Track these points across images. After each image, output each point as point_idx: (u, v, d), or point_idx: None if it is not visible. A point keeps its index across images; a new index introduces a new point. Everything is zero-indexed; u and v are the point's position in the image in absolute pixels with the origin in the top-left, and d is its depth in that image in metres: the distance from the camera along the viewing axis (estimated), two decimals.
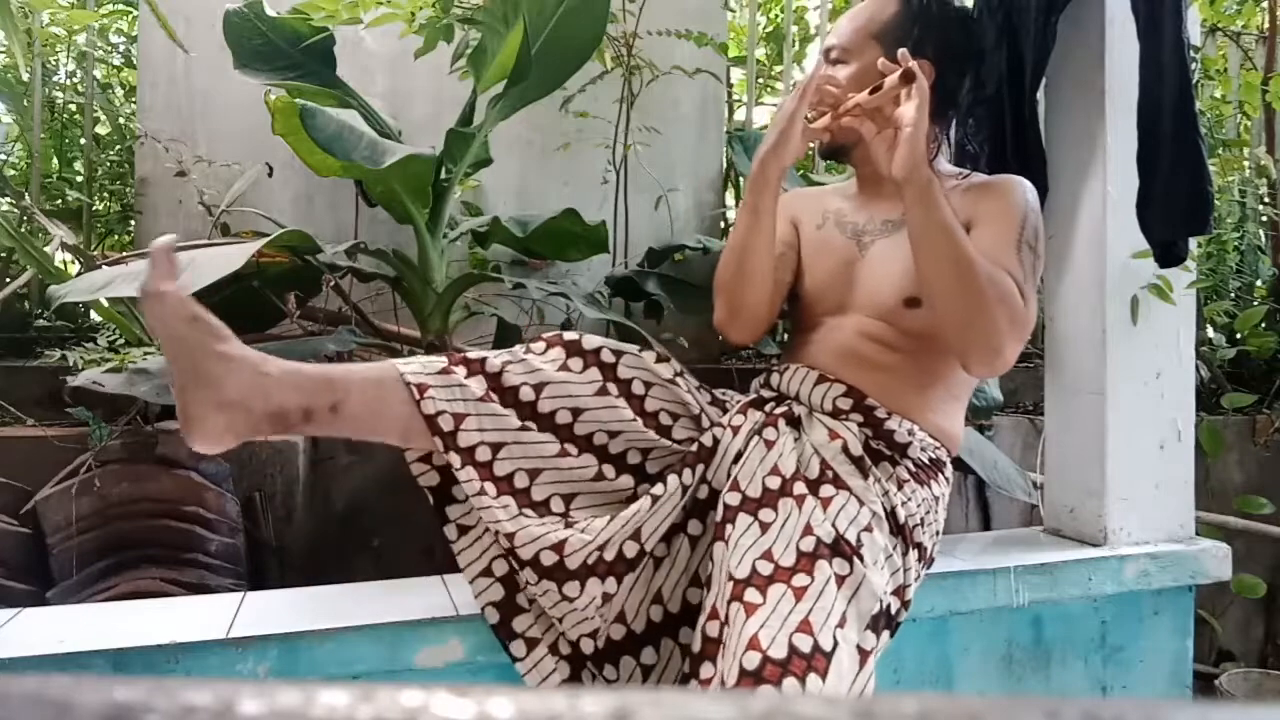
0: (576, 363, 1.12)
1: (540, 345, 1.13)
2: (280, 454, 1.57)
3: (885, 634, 1.05)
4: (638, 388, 1.14)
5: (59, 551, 1.40)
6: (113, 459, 1.44)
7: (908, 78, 1.06)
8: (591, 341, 1.14)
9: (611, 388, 1.11)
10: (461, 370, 1.07)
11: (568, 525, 1.06)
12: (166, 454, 1.47)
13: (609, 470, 1.11)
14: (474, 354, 1.09)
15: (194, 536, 1.43)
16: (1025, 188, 1.22)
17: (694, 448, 1.12)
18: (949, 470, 1.22)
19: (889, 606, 1.04)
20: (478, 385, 1.06)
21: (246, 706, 0.19)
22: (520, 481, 1.06)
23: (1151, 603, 1.48)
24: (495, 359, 1.09)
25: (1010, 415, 2.20)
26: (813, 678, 0.88)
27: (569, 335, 1.14)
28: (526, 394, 1.08)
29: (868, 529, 1.04)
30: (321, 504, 1.67)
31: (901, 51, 1.10)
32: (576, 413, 1.09)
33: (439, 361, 1.07)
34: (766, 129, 1.21)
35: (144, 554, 1.41)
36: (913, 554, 1.11)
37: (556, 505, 1.08)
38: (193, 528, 1.43)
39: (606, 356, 1.13)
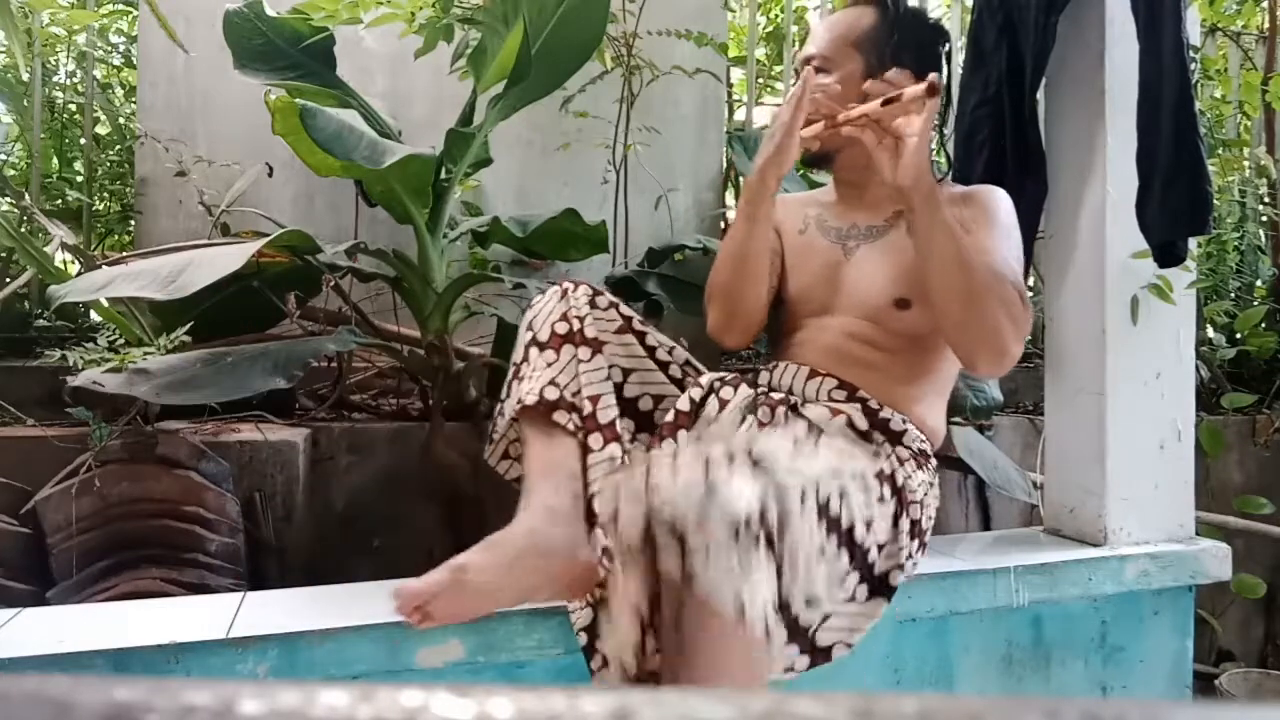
0: (602, 300, 1.21)
1: (539, 297, 1.22)
2: (280, 454, 1.57)
3: (881, 600, 1.09)
4: (636, 324, 1.24)
5: (59, 551, 1.40)
6: (113, 459, 1.44)
7: (932, 92, 1.08)
8: (601, 289, 1.25)
9: (600, 301, 1.22)
10: (524, 367, 1.17)
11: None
12: (166, 454, 1.47)
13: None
14: (518, 355, 1.19)
15: (194, 536, 1.43)
16: (1005, 196, 1.28)
17: (670, 416, 1.17)
18: (934, 463, 1.25)
19: (873, 548, 1.07)
20: (534, 356, 1.16)
21: (246, 706, 0.19)
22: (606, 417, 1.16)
23: (1151, 603, 1.48)
24: (524, 335, 1.19)
25: (1010, 415, 2.20)
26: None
27: (584, 283, 1.23)
28: (560, 328, 1.17)
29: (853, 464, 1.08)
30: (321, 504, 1.67)
31: (932, 76, 1.11)
32: (581, 320, 1.18)
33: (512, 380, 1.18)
34: (764, 135, 1.22)
35: (144, 554, 1.41)
36: (906, 523, 1.13)
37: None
38: (193, 528, 1.43)
39: (614, 299, 1.23)
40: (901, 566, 1.12)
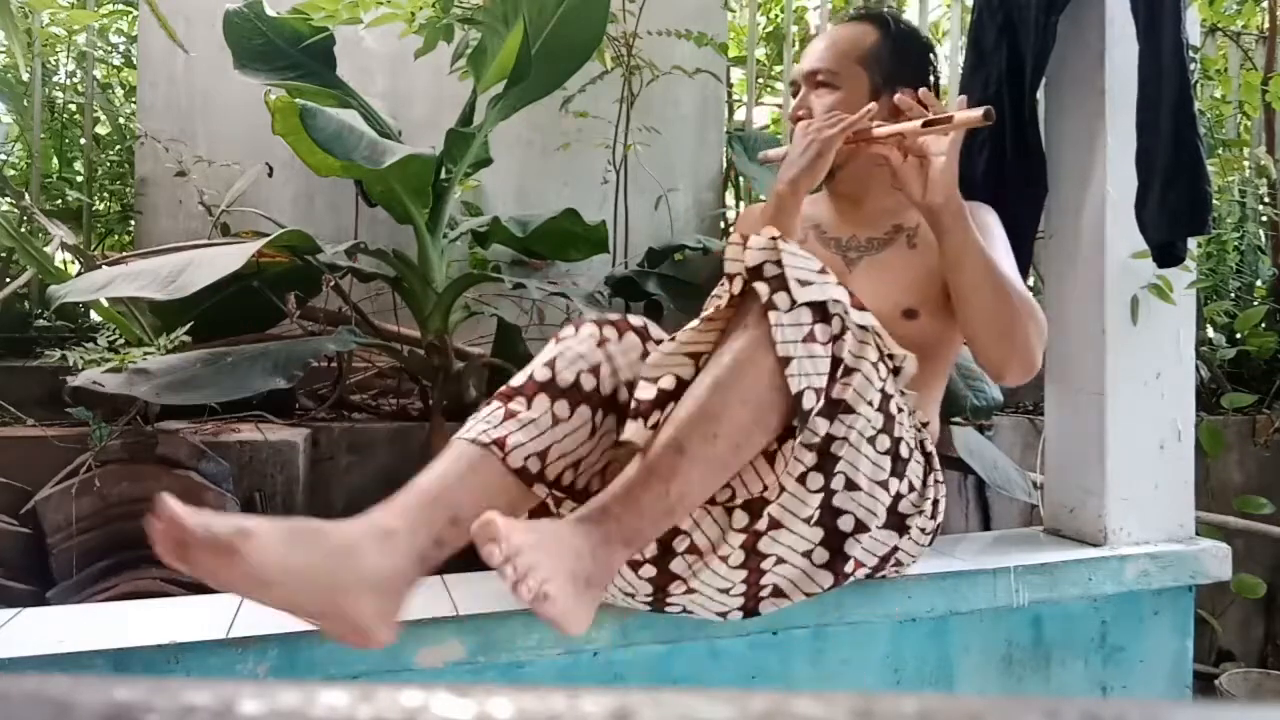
0: (611, 332, 1.09)
1: (570, 330, 1.10)
2: (280, 454, 1.57)
3: (894, 533, 1.12)
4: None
5: (59, 551, 1.40)
6: (113, 459, 1.44)
7: (988, 118, 1.10)
8: (615, 316, 1.13)
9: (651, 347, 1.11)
10: (520, 401, 1.01)
11: None
12: (166, 454, 1.47)
13: None
14: (518, 379, 1.04)
15: None
16: (994, 212, 1.33)
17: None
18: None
19: (906, 482, 1.10)
20: (540, 405, 1.01)
21: (246, 706, 0.19)
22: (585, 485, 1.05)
23: (1151, 603, 1.48)
24: (539, 368, 1.04)
25: (1010, 415, 2.20)
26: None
27: (593, 316, 1.13)
28: (588, 382, 1.03)
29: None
30: (321, 504, 1.67)
31: (988, 109, 1.12)
32: (630, 387, 1.05)
33: (495, 406, 1.02)
34: (796, 146, 1.23)
35: (144, 554, 1.41)
36: (931, 491, 1.17)
37: None
38: None
39: (636, 322, 1.12)
40: (922, 512, 1.15)
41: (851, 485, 1.03)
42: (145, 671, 1.01)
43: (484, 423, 1.00)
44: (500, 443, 0.98)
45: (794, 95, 1.36)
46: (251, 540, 0.80)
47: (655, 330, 1.12)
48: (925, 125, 1.14)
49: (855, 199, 1.36)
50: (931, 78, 1.35)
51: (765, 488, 0.98)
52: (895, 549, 1.15)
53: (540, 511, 1.04)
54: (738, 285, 0.97)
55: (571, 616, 0.84)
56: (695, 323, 1.00)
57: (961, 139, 1.14)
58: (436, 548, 0.91)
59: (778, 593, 1.08)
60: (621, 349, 1.06)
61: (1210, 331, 2.56)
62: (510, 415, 1.00)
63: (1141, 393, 1.51)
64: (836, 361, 0.97)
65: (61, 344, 1.66)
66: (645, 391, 0.97)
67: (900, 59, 1.30)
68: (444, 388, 1.76)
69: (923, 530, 1.17)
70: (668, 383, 0.97)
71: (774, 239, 0.96)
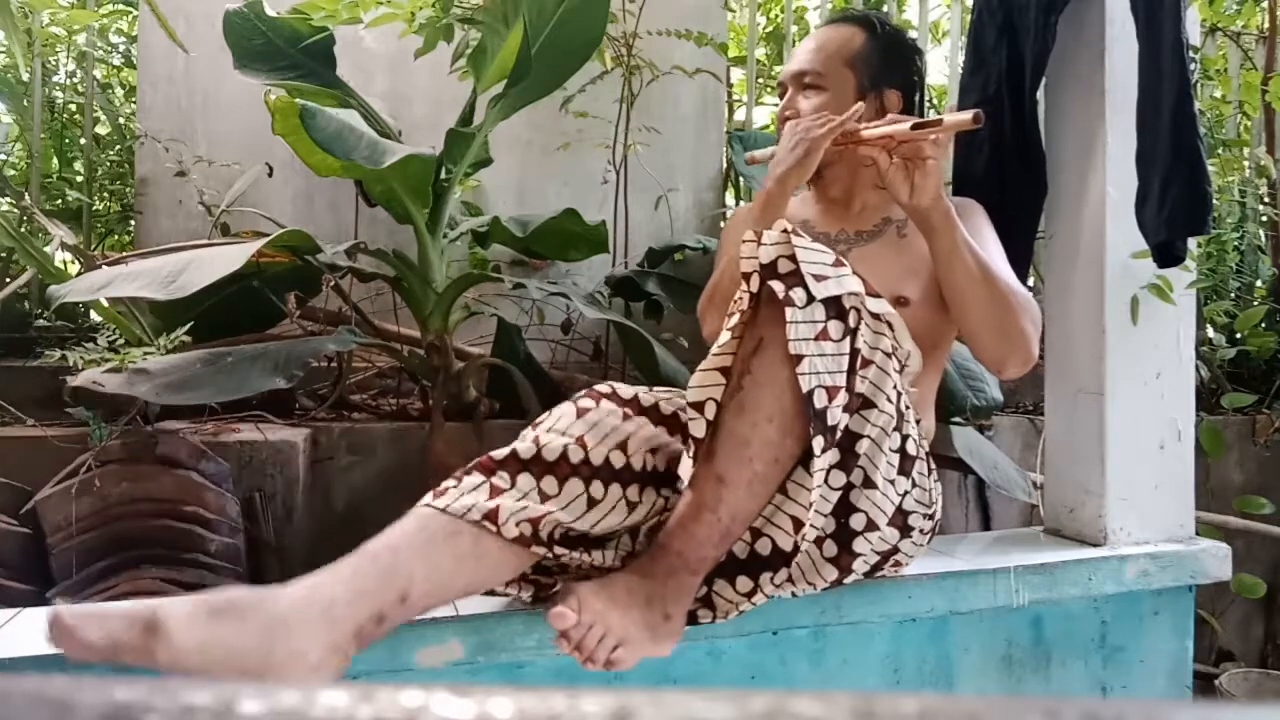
0: (586, 402, 1.07)
1: (544, 415, 1.10)
2: (280, 454, 1.57)
3: (896, 532, 1.12)
4: (646, 399, 1.12)
5: (59, 551, 1.40)
6: (113, 459, 1.44)
7: (977, 121, 1.12)
8: (588, 391, 1.12)
9: (629, 410, 1.09)
10: (503, 475, 0.98)
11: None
12: (166, 454, 1.47)
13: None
14: (499, 453, 1.00)
15: (194, 536, 1.43)
16: (981, 208, 1.35)
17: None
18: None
19: (911, 479, 1.11)
20: (527, 481, 0.98)
21: (246, 706, 0.19)
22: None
23: (1151, 603, 1.48)
24: (522, 444, 1.01)
25: (1010, 415, 2.20)
26: None
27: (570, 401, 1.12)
28: (575, 453, 1.00)
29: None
30: (321, 504, 1.67)
31: (977, 112, 1.13)
32: (623, 447, 1.03)
33: (478, 479, 0.97)
34: (784, 145, 1.24)
35: (144, 554, 1.41)
36: (934, 491, 1.17)
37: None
38: (193, 528, 1.43)
39: (604, 389, 1.11)
40: (930, 515, 1.15)
41: (869, 483, 1.04)
42: (145, 671, 1.01)
43: (470, 497, 0.95)
44: (491, 515, 0.93)
45: (781, 96, 1.37)
46: (162, 631, 0.76)
47: (623, 389, 1.09)
48: (914, 128, 1.15)
49: (843, 197, 1.37)
50: (917, 79, 1.36)
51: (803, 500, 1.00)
52: (895, 549, 1.15)
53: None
54: (754, 283, 0.97)
55: (653, 652, 0.93)
56: (724, 335, 1.00)
57: (950, 141, 1.15)
58: (376, 624, 0.86)
59: (787, 579, 1.09)
60: (601, 414, 1.04)
61: (1210, 331, 2.55)
62: (496, 491, 0.96)
63: (1141, 393, 1.51)
64: (854, 353, 0.98)
65: (61, 344, 1.66)
66: (696, 429, 0.98)
67: (887, 61, 1.32)
68: (444, 388, 1.76)
69: (922, 531, 1.18)
70: (711, 411, 0.98)
71: (786, 232, 0.97)
